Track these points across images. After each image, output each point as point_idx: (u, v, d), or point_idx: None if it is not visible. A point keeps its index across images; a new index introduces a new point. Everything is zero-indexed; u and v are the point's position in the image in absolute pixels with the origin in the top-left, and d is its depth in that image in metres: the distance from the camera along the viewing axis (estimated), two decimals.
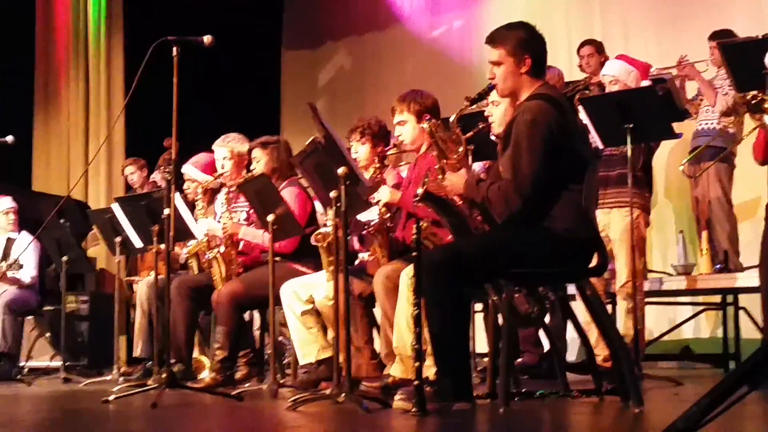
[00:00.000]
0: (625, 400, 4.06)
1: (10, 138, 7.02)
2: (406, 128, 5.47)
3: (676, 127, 5.90)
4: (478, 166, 5.86)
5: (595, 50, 7.80)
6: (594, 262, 4.21)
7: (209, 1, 10.77)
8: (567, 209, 4.03)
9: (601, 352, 5.50)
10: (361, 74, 11.41)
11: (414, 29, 10.98)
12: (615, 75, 6.19)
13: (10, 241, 8.51)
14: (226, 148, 6.67)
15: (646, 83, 6.13)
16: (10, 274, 8.18)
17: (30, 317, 8.66)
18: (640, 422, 3.72)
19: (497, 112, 4.59)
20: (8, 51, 11.15)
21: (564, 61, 8.74)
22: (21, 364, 8.47)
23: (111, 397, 4.99)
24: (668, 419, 2.33)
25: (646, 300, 6.65)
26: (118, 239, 6.89)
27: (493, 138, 4.62)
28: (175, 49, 5.04)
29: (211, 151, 6.82)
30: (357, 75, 11.49)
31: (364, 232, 5.38)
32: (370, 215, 5.38)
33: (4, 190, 8.44)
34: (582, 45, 7.94)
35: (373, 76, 11.18)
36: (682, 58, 7.52)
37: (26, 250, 8.27)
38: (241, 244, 6.43)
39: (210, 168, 6.83)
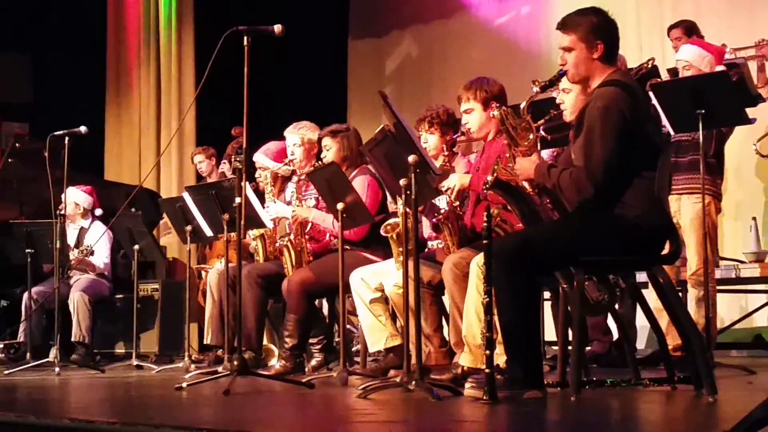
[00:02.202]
0: (698, 389, 4.03)
1: (83, 128, 7.12)
2: (473, 116, 5.43)
3: (750, 112, 5.81)
4: (545, 154, 5.80)
5: (683, 33, 7.27)
6: (666, 250, 4.17)
7: None
8: (639, 196, 4.00)
9: (671, 340, 5.43)
10: (428, 62, 11.36)
11: (481, 16, 10.90)
12: (689, 60, 6.10)
13: (82, 231, 8.64)
14: (298, 135, 6.71)
15: (720, 68, 6.02)
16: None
17: (103, 305, 8.78)
18: (714, 411, 3.68)
19: (569, 100, 4.57)
20: (80, 42, 11.32)
21: (633, 46, 8.64)
22: (94, 351, 8.61)
23: (184, 384, 5.07)
24: (743, 408, 2.31)
25: (718, 288, 6.57)
26: (188, 228, 6.96)
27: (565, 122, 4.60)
28: (246, 38, 5.04)
29: (280, 140, 6.86)
30: (423, 63, 11.44)
31: (434, 220, 5.37)
32: (440, 203, 5.37)
33: (77, 180, 8.54)
34: (671, 28, 7.60)
35: (439, 63, 11.13)
36: (760, 40, 7.36)
37: (99, 239, 8.38)
38: (309, 226, 6.43)
39: (280, 156, 6.86)
